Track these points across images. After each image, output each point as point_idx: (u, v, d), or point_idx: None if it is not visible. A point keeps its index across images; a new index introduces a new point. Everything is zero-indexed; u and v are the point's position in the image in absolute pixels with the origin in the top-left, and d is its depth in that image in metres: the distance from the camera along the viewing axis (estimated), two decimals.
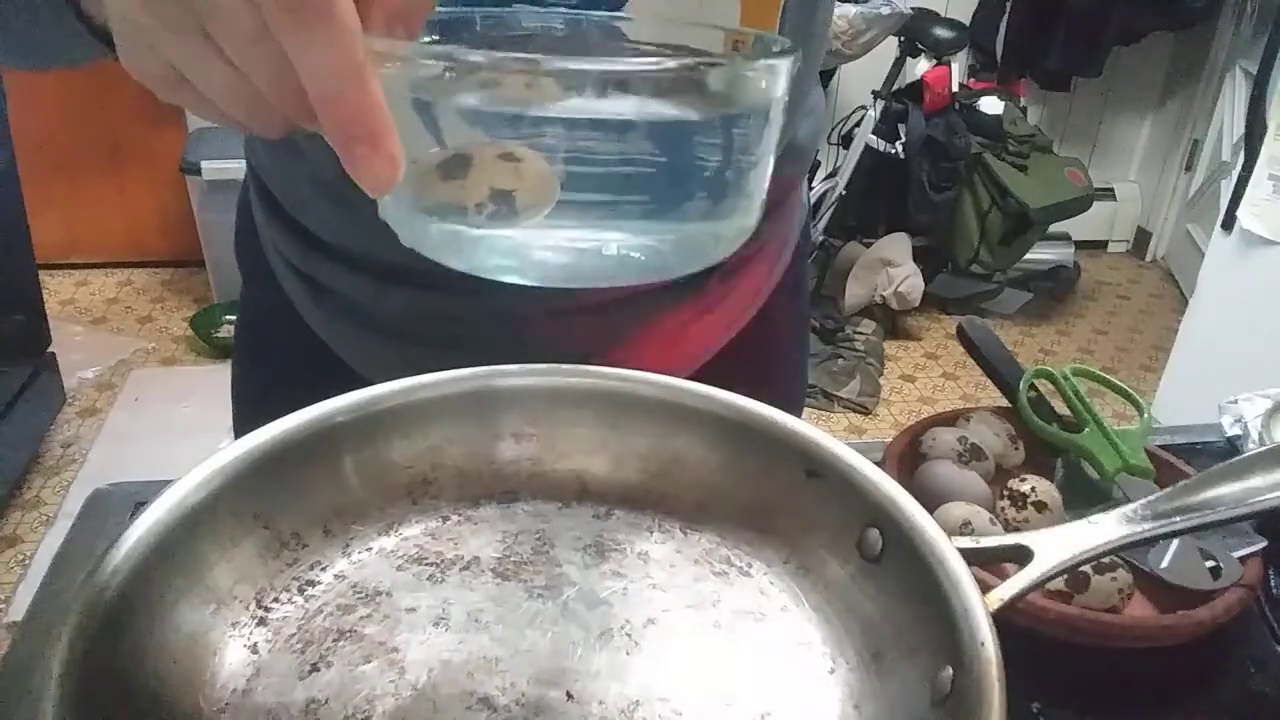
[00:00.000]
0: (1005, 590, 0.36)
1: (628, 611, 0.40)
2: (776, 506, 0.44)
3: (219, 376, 0.71)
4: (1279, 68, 2.02)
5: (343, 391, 0.43)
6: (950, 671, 0.33)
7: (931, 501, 0.53)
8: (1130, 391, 0.66)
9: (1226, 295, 2.14)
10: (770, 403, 0.45)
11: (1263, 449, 0.44)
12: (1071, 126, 3.34)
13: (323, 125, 0.27)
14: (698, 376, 0.47)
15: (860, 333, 2.65)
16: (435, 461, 0.45)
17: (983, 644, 0.32)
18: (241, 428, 0.64)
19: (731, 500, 0.45)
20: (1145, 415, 0.63)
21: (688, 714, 0.36)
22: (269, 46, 0.26)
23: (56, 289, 2.71)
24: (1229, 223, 2.09)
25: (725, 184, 0.32)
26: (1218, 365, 2.01)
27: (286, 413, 0.42)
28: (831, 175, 2.74)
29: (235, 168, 2.30)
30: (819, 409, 2.40)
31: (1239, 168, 2.08)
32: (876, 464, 0.41)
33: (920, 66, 2.64)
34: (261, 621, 0.38)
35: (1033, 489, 0.56)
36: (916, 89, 2.65)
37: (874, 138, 2.65)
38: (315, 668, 0.37)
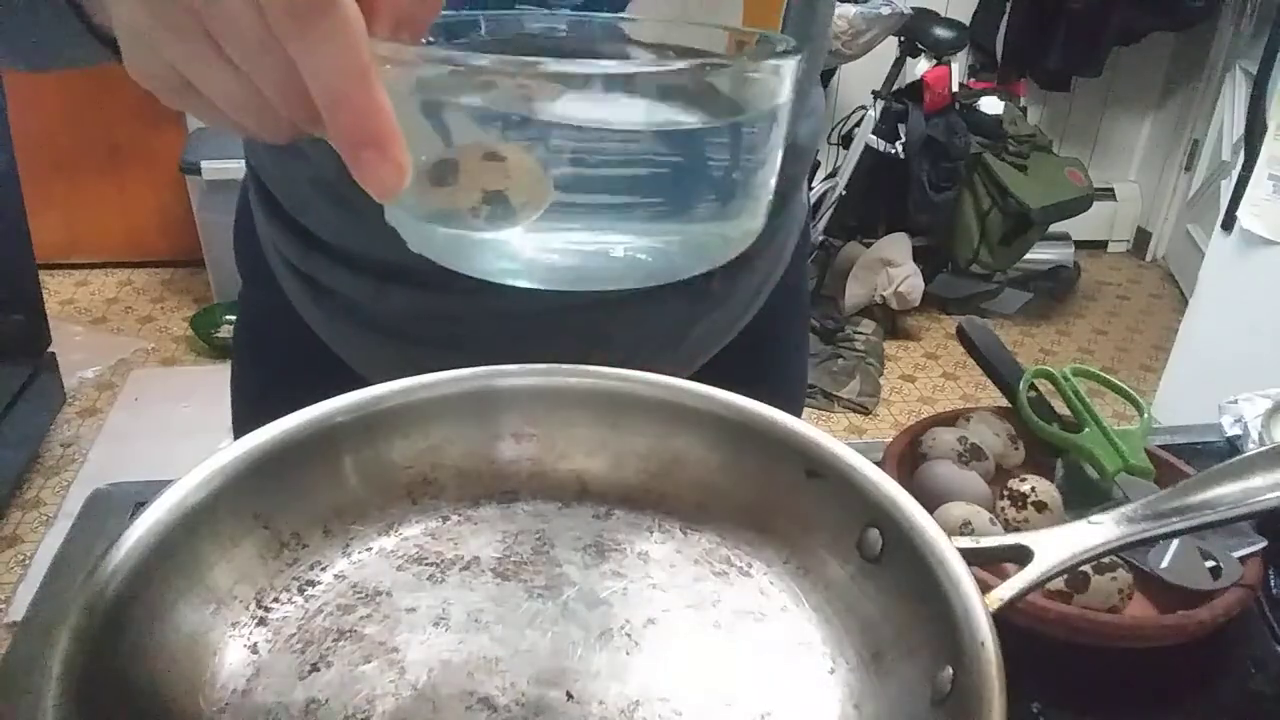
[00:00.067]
0: (1005, 590, 0.36)
1: (628, 611, 0.40)
2: (776, 506, 0.44)
3: (219, 376, 0.72)
4: (1279, 68, 2.02)
5: (343, 391, 0.43)
6: (950, 671, 0.33)
7: (931, 501, 0.53)
8: (1130, 391, 0.66)
9: (1226, 295, 2.14)
10: (770, 403, 0.45)
11: (1263, 449, 0.44)
12: (1071, 126, 3.34)
13: (328, 130, 0.27)
14: (698, 376, 0.47)
15: (860, 333, 2.65)
16: (435, 461, 0.45)
17: (983, 644, 0.32)
18: (241, 428, 0.64)
19: (731, 500, 0.45)
20: (1145, 415, 0.63)
21: (688, 714, 0.36)
22: (275, 52, 0.26)
23: (56, 289, 2.71)
24: (1229, 223, 2.09)
25: (732, 185, 0.32)
26: (1218, 365, 2.01)
27: (286, 413, 0.42)
28: (831, 175, 2.74)
29: (235, 168, 2.30)
30: (819, 409, 2.40)
31: (1239, 168, 2.08)
32: (876, 464, 0.41)
33: (920, 66, 2.64)
34: (261, 621, 0.38)
35: (1033, 489, 0.56)
36: (916, 89, 2.65)
37: (874, 138, 2.65)
38: (315, 668, 0.37)
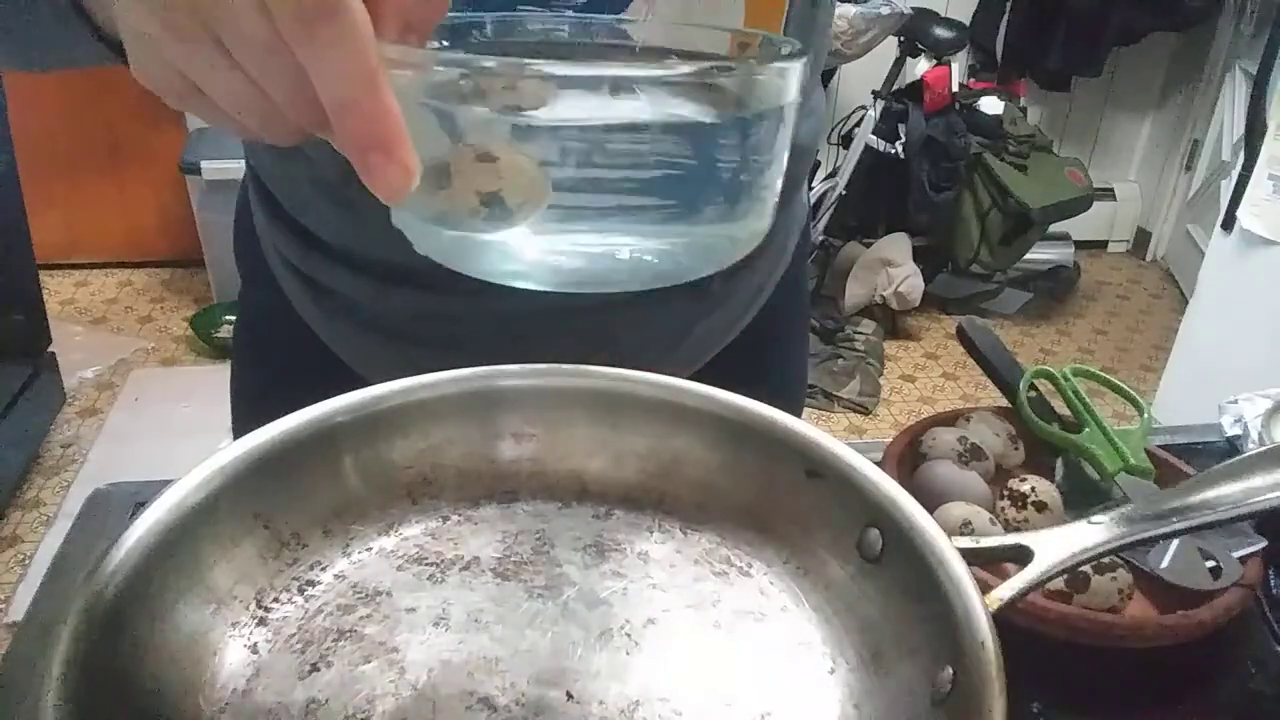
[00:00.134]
0: (1005, 590, 0.36)
1: (628, 611, 0.40)
2: (776, 506, 0.44)
3: (219, 376, 0.72)
4: (1279, 68, 2.02)
5: (343, 391, 0.43)
6: (950, 671, 0.33)
7: (931, 501, 0.53)
8: (1130, 391, 0.66)
9: (1226, 295, 2.14)
10: (770, 403, 0.45)
11: (1263, 449, 0.44)
12: (1071, 126, 3.34)
13: (336, 133, 0.27)
14: (698, 376, 0.47)
15: (860, 333, 2.65)
16: (435, 461, 0.45)
17: (983, 644, 0.32)
18: (241, 428, 0.64)
19: (731, 500, 0.45)
20: (1145, 415, 0.63)
21: (688, 714, 0.36)
22: (282, 55, 0.26)
23: (56, 289, 2.71)
24: (1229, 223, 2.09)
25: (739, 187, 0.32)
26: (1218, 365, 2.01)
27: (286, 413, 0.42)
28: (831, 175, 2.74)
29: (235, 168, 2.29)
30: (819, 409, 2.40)
31: (1239, 168, 2.07)
32: (876, 464, 0.41)
33: (920, 66, 2.64)
34: (261, 621, 0.38)
35: (1033, 489, 0.56)
36: (916, 89, 2.65)
37: (874, 138, 2.65)
38: (315, 668, 0.37)
